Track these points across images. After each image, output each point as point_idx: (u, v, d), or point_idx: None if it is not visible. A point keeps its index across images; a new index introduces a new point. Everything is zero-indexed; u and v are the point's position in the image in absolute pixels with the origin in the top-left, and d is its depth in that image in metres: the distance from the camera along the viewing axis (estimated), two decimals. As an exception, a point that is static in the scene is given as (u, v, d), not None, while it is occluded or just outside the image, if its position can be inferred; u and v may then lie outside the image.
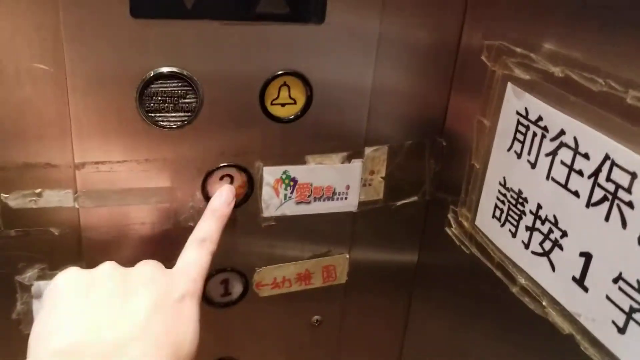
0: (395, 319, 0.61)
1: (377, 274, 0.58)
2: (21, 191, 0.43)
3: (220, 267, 0.51)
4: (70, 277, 0.37)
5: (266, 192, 0.49)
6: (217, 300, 0.53)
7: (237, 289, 0.53)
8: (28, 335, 0.35)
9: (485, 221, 0.47)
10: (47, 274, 0.46)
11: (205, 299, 0.52)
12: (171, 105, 0.43)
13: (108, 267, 0.38)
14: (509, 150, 0.44)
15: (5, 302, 0.46)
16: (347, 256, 0.55)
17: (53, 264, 0.46)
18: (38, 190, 0.43)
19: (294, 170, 0.49)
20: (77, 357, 0.32)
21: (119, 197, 0.45)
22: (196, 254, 0.41)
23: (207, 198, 0.48)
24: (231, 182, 0.48)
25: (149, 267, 0.39)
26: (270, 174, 0.48)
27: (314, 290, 0.56)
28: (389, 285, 0.59)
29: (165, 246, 0.48)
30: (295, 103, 0.46)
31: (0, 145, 0.41)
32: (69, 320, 0.34)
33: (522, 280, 0.43)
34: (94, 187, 0.44)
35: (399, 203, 0.54)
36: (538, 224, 0.41)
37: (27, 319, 0.47)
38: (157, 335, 0.35)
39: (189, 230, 0.48)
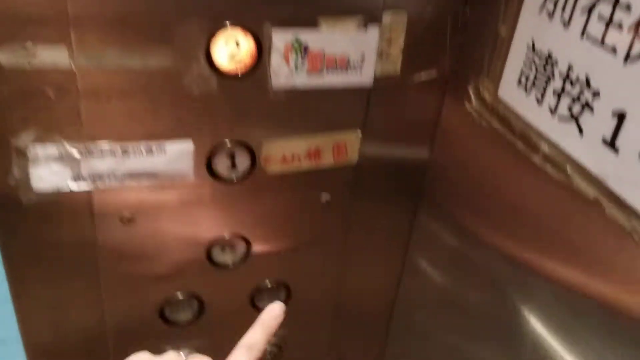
0: (405, 205, 0.59)
1: (389, 155, 0.56)
2: (13, 45, 0.40)
3: (227, 139, 0.49)
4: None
5: (275, 60, 0.46)
6: (225, 175, 0.51)
7: (244, 163, 0.51)
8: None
9: (509, 91, 0.44)
10: (43, 138, 0.44)
11: (212, 174, 0.50)
12: (173, -49, 0.39)
13: (173, 355, 0.43)
14: (540, 11, 0.40)
15: (4, 167, 0.44)
16: (360, 133, 0.53)
17: (50, 127, 0.44)
18: (29, 44, 0.40)
19: (306, 35, 0.45)
20: None
21: (119, 56, 0.42)
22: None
23: (211, 64, 0.44)
24: (237, 49, 0.45)
25: None
26: (280, 39, 0.45)
27: (324, 168, 0.54)
28: (401, 168, 0.57)
29: (169, 113, 0.46)
30: (308, -44, 0.42)
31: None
32: None
33: (545, 149, 0.40)
34: (92, 47, 0.41)
35: (417, 80, 0.51)
36: (568, 87, 0.38)
37: (25, 185, 0.45)
38: None
39: (193, 98, 0.46)
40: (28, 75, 0.41)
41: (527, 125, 0.42)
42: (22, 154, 0.44)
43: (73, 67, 0.41)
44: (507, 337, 0.49)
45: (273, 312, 0.52)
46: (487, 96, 0.46)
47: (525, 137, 0.43)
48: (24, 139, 0.43)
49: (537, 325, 0.45)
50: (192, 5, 0.42)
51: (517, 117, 0.43)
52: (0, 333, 1.71)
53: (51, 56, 0.40)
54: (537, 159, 0.42)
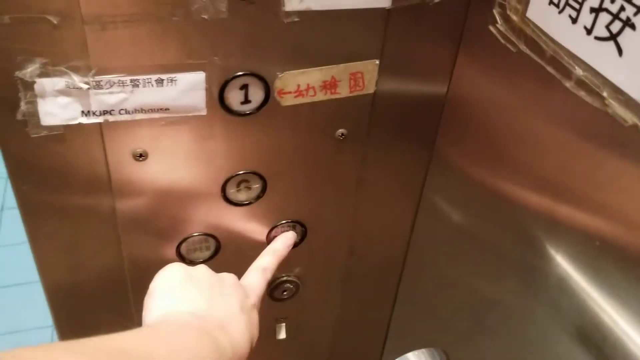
0: (422, 141, 0.57)
1: (407, 87, 0.54)
2: (11, -32, 0.37)
3: (240, 72, 0.47)
4: (175, 269, 0.46)
5: (288, -19, 0.43)
6: (237, 108, 0.49)
7: (257, 96, 0.49)
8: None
9: (539, 10, 0.41)
10: (49, 70, 0.42)
11: (225, 107, 0.49)
12: None
13: (203, 267, 0.47)
14: None
15: (10, 103, 0.42)
16: (377, 62, 0.50)
17: (55, 59, 0.42)
18: (30, -32, 0.37)
19: (321, -46, 0.42)
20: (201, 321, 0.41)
21: (124, -21, 0.39)
22: (258, 278, 0.52)
23: (222, -15, 0.42)
24: (249, -31, 0.42)
25: (232, 276, 0.49)
26: (294, -42, 0.42)
27: (340, 101, 0.52)
28: (419, 101, 0.55)
29: (179, 42, 0.44)
30: None
31: None
32: (186, 294, 0.44)
33: (579, 72, 0.38)
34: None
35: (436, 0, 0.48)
36: (606, 3, 0.35)
37: (33, 120, 0.44)
38: (244, 324, 0.44)
39: (203, 25, 0.43)
40: (29, 0, 0.38)
41: (560, 48, 0.40)
42: (30, 88, 0.42)
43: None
44: (530, 276, 0.48)
45: (286, 242, 0.58)
46: (514, 17, 0.44)
47: (557, 61, 0.40)
48: (29, 72, 0.41)
49: (562, 263, 0.44)
50: None
51: (548, 39, 0.41)
52: (19, 276, 1.75)
53: (52, -20, 0.38)
54: (569, 84, 0.39)
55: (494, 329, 0.55)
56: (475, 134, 0.53)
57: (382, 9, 0.47)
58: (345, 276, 0.68)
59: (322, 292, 0.68)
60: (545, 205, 0.45)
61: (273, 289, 0.66)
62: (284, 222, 0.60)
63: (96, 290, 0.58)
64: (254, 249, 0.60)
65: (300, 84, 0.49)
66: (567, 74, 0.39)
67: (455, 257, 0.61)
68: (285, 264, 0.63)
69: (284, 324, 0.71)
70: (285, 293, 0.67)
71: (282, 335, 0.72)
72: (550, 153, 0.44)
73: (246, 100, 0.49)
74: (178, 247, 0.58)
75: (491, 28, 0.46)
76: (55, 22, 0.40)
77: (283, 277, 0.65)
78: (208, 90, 0.47)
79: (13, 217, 1.93)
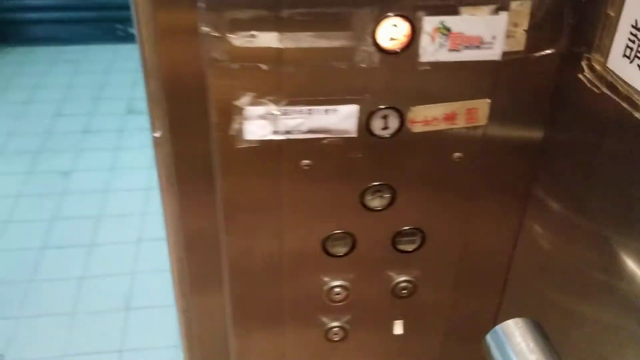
0: (526, 157, 0.71)
1: (513, 121, 0.68)
2: (241, 32, 0.57)
3: (383, 105, 0.64)
4: None
5: (425, 40, 0.60)
6: (378, 132, 0.66)
7: (394, 124, 0.65)
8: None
9: (615, 62, 0.55)
10: (255, 101, 0.61)
11: (369, 131, 0.65)
12: (355, -38, 0.54)
13: None
14: (642, -5, 0.51)
15: (227, 123, 0.62)
16: (489, 101, 0.65)
17: (260, 93, 0.61)
18: (254, 33, 0.57)
19: (449, 21, 0.59)
20: None
21: (312, 39, 0.58)
22: None
23: (375, 44, 0.59)
24: (396, 32, 0.59)
25: None
26: (429, 24, 0.59)
27: (458, 130, 0.67)
28: (523, 127, 0.68)
29: (342, 82, 0.61)
30: (454, -40, 0.55)
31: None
32: None
33: (645, 106, 0.51)
34: (293, 30, 0.57)
35: (537, 54, 0.63)
36: (663, 55, 0.48)
37: (240, 136, 0.63)
38: None
39: (360, 71, 0.61)
40: (251, 52, 0.58)
41: (631, 88, 0.53)
42: (241, 113, 0.61)
43: (281, 46, 0.58)
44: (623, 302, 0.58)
45: None
46: (597, 67, 0.57)
47: (630, 98, 0.53)
48: (242, 102, 0.61)
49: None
50: (363, 3, 0.57)
51: (623, 82, 0.54)
52: (150, 300, 2.00)
53: (266, 39, 0.57)
54: (638, 115, 0.52)
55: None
56: (570, 167, 0.66)
57: (494, 61, 0.62)
58: (456, 279, 0.81)
59: (436, 292, 0.82)
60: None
61: (394, 287, 0.80)
62: (407, 227, 0.75)
63: (260, 271, 0.75)
64: (383, 249, 0.75)
65: (427, 116, 0.65)
66: (637, 107, 0.52)
67: (553, 279, 0.73)
68: (405, 266, 0.78)
69: (401, 320, 0.85)
70: (404, 292, 0.81)
71: (399, 330, 0.85)
72: (633, 177, 0.55)
73: (385, 127, 0.66)
74: (323, 241, 0.74)
75: (580, 76, 0.60)
76: (265, 68, 0.59)
77: (403, 277, 0.80)
78: (359, 119, 0.64)
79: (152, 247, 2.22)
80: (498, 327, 0.57)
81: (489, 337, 0.57)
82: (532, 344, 0.54)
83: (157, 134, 0.64)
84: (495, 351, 0.56)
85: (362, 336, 0.84)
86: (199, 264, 0.75)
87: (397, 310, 0.84)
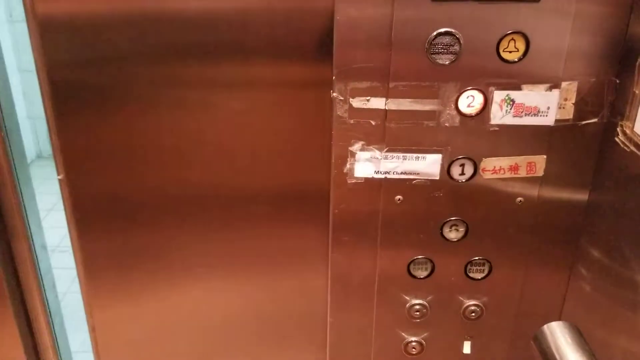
0: (575, 207, 0.87)
1: (565, 172, 0.86)
2: (359, 97, 0.79)
3: (461, 156, 0.84)
4: None
5: (494, 108, 0.80)
6: (456, 177, 0.85)
7: (469, 171, 0.85)
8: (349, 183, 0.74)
9: (639, 127, 0.73)
10: (364, 147, 0.83)
11: (449, 176, 0.85)
12: (444, 50, 0.76)
13: None
14: (658, 79, 0.69)
15: (342, 163, 0.84)
16: (545, 157, 0.84)
17: (369, 142, 0.82)
18: (368, 98, 0.79)
19: (514, 94, 0.79)
20: None
21: (410, 103, 0.79)
22: None
23: (457, 109, 0.80)
24: (473, 101, 0.80)
25: None
26: (498, 96, 0.79)
27: (520, 179, 0.85)
28: (573, 181, 0.86)
29: (431, 137, 0.82)
30: (518, 51, 0.76)
31: (354, 74, 0.78)
32: None
33: (660, 159, 0.68)
34: (396, 97, 0.79)
35: (583, 122, 0.81)
36: (671, 122, 0.66)
37: (351, 173, 0.84)
38: None
39: (445, 129, 0.81)
40: (365, 112, 0.80)
41: (651, 147, 0.70)
42: (353, 156, 0.83)
43: (386, 108, 0.80)
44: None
45: None
46: (628, 131, 0.75)
47: (651, 154, 0.71)
48: (355, 148, 0.83)
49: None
50: (452, 77, 0.78)
51: (646, 142, 0.72)
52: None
53: (376, 103, 0.79)
54: (657, 167, 0.69)
55: None
56: (610, 220, 0.82)
57: (548, 126, 0.81)
58: (518, 308, 0.96)
59: (501, 318, 0.97)
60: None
61: (464, 310, 0.97)
62: (477, 258, 0.92)
63: (357, 292, 0.94)
64: (456, 275, 0.93)
65: (495, 166, 0.84)
66: (655, 161, 0.70)
67: (600, 309, 0.87)
68: (475, 292, 0.95)
69: (470, 341, 1.00)
70: (473, 315, 0.97)
71: (468, 350, 1.01)
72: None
73: (462, 173, 0.85)
74: (408, 264, 0.93)
75: (616, 139, 0.78)
76: (373, 123, 0.81)
77: (472, 302, 0.96)
78: (441, 165, 0.84)
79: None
80: (545, 327, 0.72)
81: (537, 335, 0.73)
82: (570, 340, 0.70)
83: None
84: (541, 345, 0.71)
85: (436, 352, 1.00)
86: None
87: (466, 332, 1.00)
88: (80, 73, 0.82)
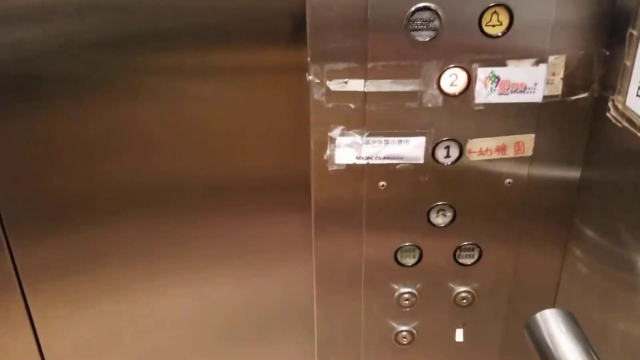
0: (567, 186, 0.84)
1: (555, 151, 0.82)
2: (336, 80, 0.75)
3: (445, 138, 0.80)
4: None
5: (478, 86, 0.76)
6: (442, 160, 0.81)
7: (455, 153, 0.81)
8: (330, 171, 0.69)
9: (631, 101, 0.69)
10: (344, 132, 0.79)
11: (434, 159, 0.81)
12: (423, 26, 0.72)
13: None
14: (650, 49, 0.65)
15: (322, 149, 0.80)
16: (533, 135, 0.80)
17: (348, 126, 0.78)
18: (346, 80, 0.75)
19: (498, 71, 0.75)
20: None
21: (390, 84, 0.75)
22: None
23: (440, 88, 0.76)
24: (456, 79, 0.76)
25: None
26: (482, 73, 0.75)
27: (508, 160, 0.82)
28: (563, 159, 0.82)
29: (413, 119, 0.78)
30: (501, 24, 0.72)
31: (331, 55, 0.73)
32: None
33: (653, 134, 0.65)
34: (376, 78, 0.75)
35: (573, 98, 0.77)
36: (665, 94, 0.62)
37: (331, 160, 0.80)
38: None
39: (427, 110, 0.77)
40: (345, 95, 0.76)
41: (644, 121, 0.67)
42: (333, 142, 0.79)
43: (365, 90, 0.76)
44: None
45: None
46: (619, 106, 0.71)
47: (644, 129, 0.67)
48: (334, 133, 0.79)
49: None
50: (433, 54, 0.74)
51: (637, 117, 0.68)
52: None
53: (355, 85, 0.75)
54: (650, 142, 0.66)
55: None
56: (604, 196, 0.79)
57: (536, 103, 0.77)
58: (510, 293, 0.93)
59: (493, 304, 0.94)
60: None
61: (455, 296, 0.94)
62: (466, 243, 0.89)
63: (342, 277, 0.91)
64: (445, 261, 0.89)
65: (482, 147, 0.81)
66: (649, 136, 0.66)
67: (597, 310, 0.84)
68: (465, 278, 0.92)
69: (462, 329, 0.97)
70: (464, 301, 0.94)
71: (460, 338, 0.98)
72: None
73: (448, 156, 0.81)
74: (395, 252, 0.89)
75: (608, 114, 0.74)
76: (353, 107, 0.77)
77: (463, 288, 0.93)
78: (426, 148, 0.80)
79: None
80: (537, 315, 0.69)
81: (530, 323, 0.69)
82: (564, 329, 0.67)
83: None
84: (534, 334, 0.68)
85: (427, 341, 0.97)
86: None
87: (458, 319, 0.96)
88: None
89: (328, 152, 0.80)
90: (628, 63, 0.69)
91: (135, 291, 0.95)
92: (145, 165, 0.85)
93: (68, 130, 0.81)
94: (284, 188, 0.88)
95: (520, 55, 0.74)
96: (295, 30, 0.77)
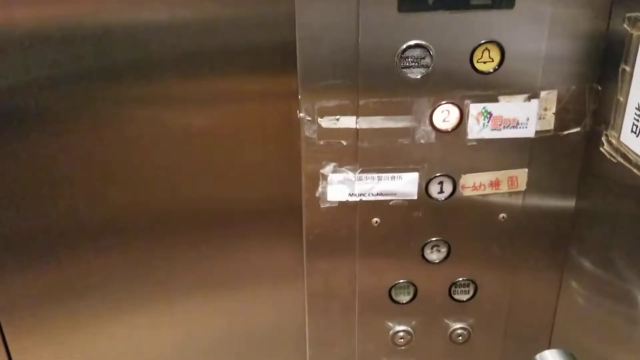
0: (562, 220, 0.83)
1: (549, 185, 0.81)
2: (327, 117, 0.74)
3: (439, 173, 0.79)
4: None
5: (471, 122, 0.75)
6: (435, 196, 0.80)
7: (448, 189, 0.80)
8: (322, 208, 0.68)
9: (626, 136, 0.68)
10: (336, 169, 0.77)
11: (428, 195, 0.80)
12: (415, 63, 0.71)
13: None
14: (642, 85, 0.65)
15: (314, 186, 0.78)
16: (526, 170, 0.79)
17: (341, 163, 0.77)
18: (337, 117, 0.74)
19: (490, 107, 0.74)
20: None
21: (382, 121, 0.74)
22: None
23: (432, 125, 0.75)
24: (448, 115, 0.75)
25: None
26: (474, 109, 0.74)
27: (502, 194, 0.81)
28: (557, 193, 0.82)
29: (406, 155, 0.77)
30: (492, 61, 0.71)
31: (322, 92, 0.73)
32: None
33: (649, 170, 0.64)
34: (368, 115, 0.74)
35: (565, 133, 0.77)
36: (659, 131, 0.62)
37: (324, 197, 0.79)
38: None
39: (420, 146, 0.76)
40: (337, 132, 0.75)
41: (636, 155, 0.66)
42: (325, 179, 0.78)
43: (357, 127, 0.75)
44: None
45: None
46: (614, 141, 0.71)
47: (638, 166, 0.66)
48: (326, 170, 0.77)
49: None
50: (425, 91, 0.73)
51: (633, 152, 0.67)
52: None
53: (346, 122, 0.74)
54: (645, 178, 0.65)
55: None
56: (599, 229, 0.78)
57: (528, 138, 0.77)
58: (507, 328, 0.91)
59: (489, 340, 0.93)
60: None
61: (451, 333, 0.92)
62: (461, 279, 0.87)
63: (336, 305, 0.89)
64: (441, 298, 0.88)
65: (475, 182, 0.80)
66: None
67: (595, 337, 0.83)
68: (460, 314, 0.90)
69: (458, 365, 0.95)
70: (460, 338, 0.92)
71: (457, 375, 0.96)
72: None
73: (441, 191, 0.80)
74: (389, 290, 0.87)
75: (601, 149, 0.74)
76: (345, 143, 0.76)
77: (459, 325, 0.91)
78: (419, 184, 0.79)
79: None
80: (537, 356, 0.68)
81: (530, 364, 0.68)
82: (566, 370, 0.65)
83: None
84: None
85: (423, 379, 0.95)
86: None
87: (454, 356, 0.94)
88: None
89: (320, 189, 0.79)
90: (621, 99, 0.69)
91: (118, 324, 0.92)
92: (130, 194, 0.82)
93: (49, 161, 0.79)
94: (273, 216, 0.86)
95: (512, 91, 0.74)
96: (286, 58, 0.75)
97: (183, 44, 0.73)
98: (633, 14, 0.65)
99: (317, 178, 0.78)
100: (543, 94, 0.74)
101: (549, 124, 0.76)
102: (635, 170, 0.67)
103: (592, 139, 0.77)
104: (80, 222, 0.83)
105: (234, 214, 0.86)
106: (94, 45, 0.72)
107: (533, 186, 0.80)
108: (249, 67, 0.76)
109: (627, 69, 0.67)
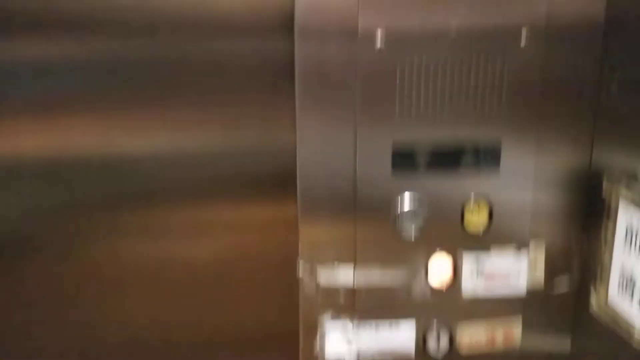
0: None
1: (542, 344, 0.83)
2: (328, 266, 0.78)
3: (435, 326, 0.80)
4: None
5: (466, 279, 0.78)
6: (433, 352, 0.81)
7: (444, 344, 0.81)
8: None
9: (613, 299, 0.71)
10: (337, 317, 0.79)
11: (425, 352, 0.81)
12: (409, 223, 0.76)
13: None
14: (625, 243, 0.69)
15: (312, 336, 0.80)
16: (520, 324, 0.81)
17: (337, 313, 0.79)
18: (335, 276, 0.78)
19: (483, 264, 0.78)
20: None
21: (378, 279, 0.78)
22: None
23: (427, 282, 0.78)
24: (442, 271, 0.79)
25: None
26: (468, 264, 0.78)
27: (497, 352, 0.82)
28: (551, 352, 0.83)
29: (403, 309, 0.79)
30: (482, 216, 0.77)
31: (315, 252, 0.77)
32: None
33: (636, 335, 0.66)
34: (366, 271, 0.78)
35: (555, 292, 0.80)
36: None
37: (322, 354, 0.80)
38: None
39: (417, 302, 0.79)
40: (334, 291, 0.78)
41: (621, 316, 0.69)
42: (321, 333, 0.79)
43: (354, 285, 0.78)
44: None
45: None
46: (602, 303, 0.74)
47: (621, 327, 0.69)
48: (323, 318, 0.79)
49: None
50: (417, 248, 0.77)
51: (620, 314, 0.70)
52: None
53: (344, 276, 0.78)
54: (633, 343, 0.67)
55: None
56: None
57: (520, 297, 0.80)
58: None
59: None
60: None
61: None
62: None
63: None
64: None
65: (472, 339, 0.81)
66: (629, 335, 0.67)
67: None
68: None
69: None
70: None
71: None
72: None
73: (438, 349, 0.81)
74: None
75: (591, 309, 0.76)
76: (342, 299, 0.78)
77: None
78: (416, 340, 0.81)
79: None
80: None
81: None
82: None
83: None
84: None
85: None
86: None
87: None
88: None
89: (317, 345, 0.80)
90: (605, 260, 0.73)
91: None
92: (129, 318, 0.83)
93: (42, 288, 0.80)
94: (270, 345, 0.85)
95: (502, 244, 0.78)
96: (284, 186, 0.78)
97: (185, 174, 0.77)
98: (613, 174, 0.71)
99: (315, 332, 0.80)
100: (531, 247, 0.78)
101: (539, 282, 0.79)
102: (624, 332, 0.69)
103: (580, 299, 0.79)
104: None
105: (233, 341, 0.85)
106: (93, 175, 0.75)
107: (525, 341, 0.82)
108: (250, 195, 0.79)
109: (610, 226, 0.71)
